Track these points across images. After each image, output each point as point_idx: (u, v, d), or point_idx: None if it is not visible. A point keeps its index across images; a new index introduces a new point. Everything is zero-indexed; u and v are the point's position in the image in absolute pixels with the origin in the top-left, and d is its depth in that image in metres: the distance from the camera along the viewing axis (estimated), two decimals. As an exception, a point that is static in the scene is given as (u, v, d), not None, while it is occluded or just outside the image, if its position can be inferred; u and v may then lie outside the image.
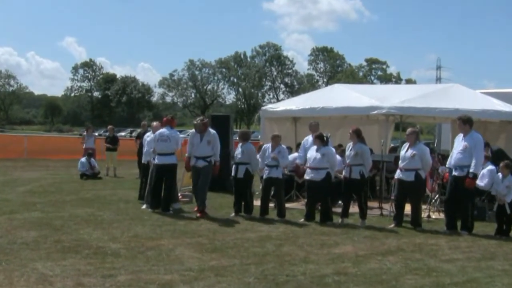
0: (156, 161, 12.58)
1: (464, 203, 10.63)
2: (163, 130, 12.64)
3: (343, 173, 11.78)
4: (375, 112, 14.55)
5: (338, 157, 12.60)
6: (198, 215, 11.74)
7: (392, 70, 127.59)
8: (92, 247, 8.52)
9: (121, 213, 12.00)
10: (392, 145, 18.27)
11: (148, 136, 13.80)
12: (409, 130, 11.27)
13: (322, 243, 9.36)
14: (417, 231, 10.70)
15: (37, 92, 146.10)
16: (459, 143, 10.75)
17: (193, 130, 12.21)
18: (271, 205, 12.49)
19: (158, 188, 12.49)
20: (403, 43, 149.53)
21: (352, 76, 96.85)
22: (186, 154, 12.23)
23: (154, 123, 13.70)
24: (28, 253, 8.03)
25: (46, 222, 10.57)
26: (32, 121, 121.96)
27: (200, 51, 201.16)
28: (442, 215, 12.05)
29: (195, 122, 12.38)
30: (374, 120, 17.76)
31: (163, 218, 11.49)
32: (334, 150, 12.04)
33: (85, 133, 22.56)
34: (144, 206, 12.81)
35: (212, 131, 12.18)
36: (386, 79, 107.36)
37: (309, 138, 13.16)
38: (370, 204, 12.60)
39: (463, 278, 7.37)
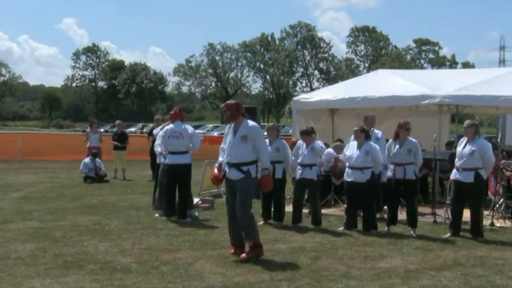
0: (166, 160, 12.63)
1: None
2: (173, 125, 12.67)
3: (389, 173, 11.69)
4: (426, 102, 14.43)
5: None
6: (241, 255, 9.06)
7: (445, 52, 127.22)
8: (98, 261, 8.56)
9: (131, 221, 12.07)
10: (447, 140, 18.12)
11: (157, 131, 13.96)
12: (467, 122, 11.13)
13: (365, 255, 9.31)
14: (478, 242, 10.57)
15: (32, 82, 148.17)
16: None
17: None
18: (305, 211, 12.45)
19: (172, 192, 12.57)
20: (458, 20, 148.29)
21: (398, 60, 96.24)
22: (219, 159, 9.40)
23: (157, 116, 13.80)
24: (24, 269, 8.08)
25: (45, 233, 10.66)
26: (27, 116, 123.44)
27: (221, 33, 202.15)
28: (508, 223, 11.89)
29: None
30: (425, 111, 17.63)
31: (180, 227, 11.52)
32: (378, 147, 11.95)
33: (88, 129, 22.62)
34: (157, 214, 12.86)
35: (251, 123, 9.26)
36: (439, 62, 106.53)
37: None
38: (421, 209, 12.50)
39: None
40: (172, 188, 12.54)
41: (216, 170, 9.26)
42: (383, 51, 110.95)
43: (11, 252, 9.03)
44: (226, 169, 9.06)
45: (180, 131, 12.53)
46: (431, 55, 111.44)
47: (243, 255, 8.84)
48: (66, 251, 9.16)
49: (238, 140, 8.94)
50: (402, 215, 11.83)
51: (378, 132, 13.21)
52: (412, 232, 11.18)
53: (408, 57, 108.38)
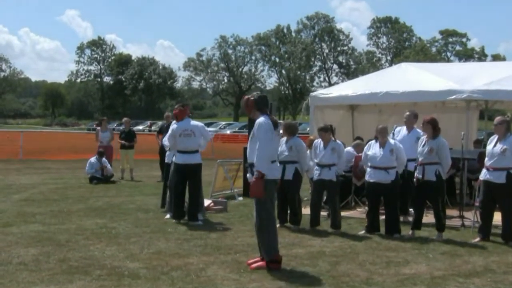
0: (177, 160, 12.62)
1: None
2: (183, 123, 12.62)
3: (415, 174, 11.65)
4: (453, 97, 14.37)
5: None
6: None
7: (474, 44, 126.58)
8: (105, 266, 8.59)
9: (139, 225, 12.11)
10: (476, 138, 18.04)
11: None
12: (497, 119, 11.07)
13: (388, 261, 9.29)
14: (510, 247, 10.52)
15: (34, 78, 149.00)
16: None
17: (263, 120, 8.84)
18: (324, 213, 12.44)
19: (182, 193, 12.61)
20: (488, 10, 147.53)
21: (423, 53, 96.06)
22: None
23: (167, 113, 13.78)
24: (27, 275, 8.11)
25: (48, 236, 10.71)
26: (29, 113, 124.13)
27: (234, 25, 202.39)
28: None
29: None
30: (451, 107, 17.57)
31: (191, 230, 11.55)
32: (401, 145, 11.90)
33: (98, 128, 22.54)
34: (167, 216, 12.90)
35: (258, 119, 8.89)
36: (467, 55, 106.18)
37: (402, 128, 13.24)
38: (448, 212, 12.45)
39: None
40: (182, 189, 12.57)
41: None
42: (407, 43, 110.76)
43: (13, 257, 9.06)
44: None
45: (191, 128, 12.54)
46: (458, 47, 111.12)
47: (259, 263, 8.72)
48: (71, 256, 9.19)
49: (250, 138, 8.96)
50: (427, 218, 11.79)
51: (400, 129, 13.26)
52: (438, 236, 11.15)
53: (434, 49, 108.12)
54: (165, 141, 13.38)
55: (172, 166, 12.90)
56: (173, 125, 12.73)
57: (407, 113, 13.33)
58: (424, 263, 9.18)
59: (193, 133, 12.50)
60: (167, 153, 13.65)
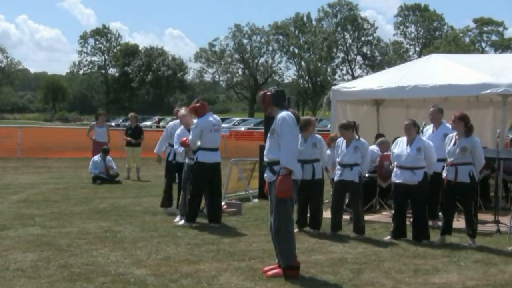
0: (204, 159, 12.49)
1: None
2: (208, 116, 12.55)
3: (444, 174, 11.62)
4: (488, 91, 14.31)
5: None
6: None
7: (511, 33, 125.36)
8: (109, 273, 8.62)
9: (147, 228, 12.15)
10: (511, 136, 17.98)
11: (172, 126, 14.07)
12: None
13: (416, 268, 9.28)
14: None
15: (33, 69, 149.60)
16: None
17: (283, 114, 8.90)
18: (346, 217, 12.43)
19: (201, 195, 12.78)
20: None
21: (455, 43, 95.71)
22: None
23: (182, 110, 13.69)
24: (25, 282, 8.15)
25: (48, 240, 10.76)
26: (27, 108, 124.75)
27: (249, 13, 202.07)
28: None
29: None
30: (486, 102, 17.49)
31: (202, 235, 11.58)
32: (431, 143, 11.87)
33: (94, 122, 22.57)
34: (177, 219, 12.94)
35: (280, 114, 8.87)
36: (503, 46, 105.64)
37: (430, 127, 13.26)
38: (481, 217, 12.41)
39: None
40: (204, 191, 12.71)
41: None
42: (437, 32, 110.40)
43: (10, 263, 9.11)
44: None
45: (218, 123, 12.67)
46: (494, 37, 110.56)
47: (275, 270, 8.69)
48: (72, 262, 9.23)
49: (269, 134, 8.91)
50: (459, 223, 11.75)
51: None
52: (470, 242, 11.10)
53: (467, 39, 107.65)
54: (177, 144, 13.36)
55: (185, 167, 13.03)
56: (197, 120, 12.56)
57: (431, 108, 13.27)
58: (456, 272, 9.15)
59: (220, 128, 12.76)
60: (180, 150, 13.46)
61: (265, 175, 8.95)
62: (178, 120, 13.94)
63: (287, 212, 8.70)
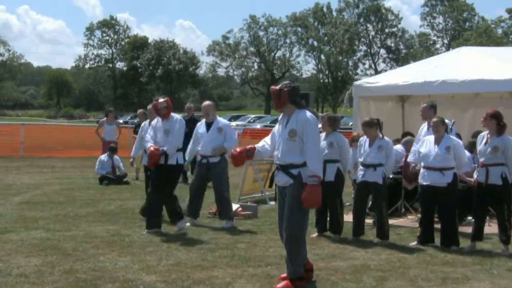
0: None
1: None
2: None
3: (475, 176, 11.58)
4: (523, 87, 14.31)
5: (467, 153, 12.39)
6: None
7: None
8: (117, 279, 8.66)
9: (157, 232, 12.14)
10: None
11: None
12: None
13: (444, 277, 9.26)
14: None
15: (36, 63, 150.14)
16: None
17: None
18: (369, 221, 12.42)
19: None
20: None
21: (486, 35, 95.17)
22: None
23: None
24: None
25: (53, 244, 10.82)
26: (30, 104, 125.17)
27: (266, 4, 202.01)
28: None
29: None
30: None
31: (216, 239, 11.60)
32: (461, 142, 11.82)
33: (103, 119, 22.64)
34: (188, 223, 12.94)
35: (303, 114, 8.74)
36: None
37: (424, 126, 13.15)
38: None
39: None
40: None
41: (238, 149, 9.17)
42: (467, 24, 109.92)
43: (12, 268, 9.16)
44: (275, 172, 8.88)
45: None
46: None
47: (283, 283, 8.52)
48: (78, 267, 9.27)
49: (286, 135, 8.66)
50: (491, 228, 11.70)
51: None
52: (504, 249, 11.06)
53: (500, 31, 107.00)
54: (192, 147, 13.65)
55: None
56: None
57: (423, 105, 13.20)
58: (488, 281, 9.13)
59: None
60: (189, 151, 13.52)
61: (279, 178, 8.78)
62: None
63: (305, 218, 8.65)
